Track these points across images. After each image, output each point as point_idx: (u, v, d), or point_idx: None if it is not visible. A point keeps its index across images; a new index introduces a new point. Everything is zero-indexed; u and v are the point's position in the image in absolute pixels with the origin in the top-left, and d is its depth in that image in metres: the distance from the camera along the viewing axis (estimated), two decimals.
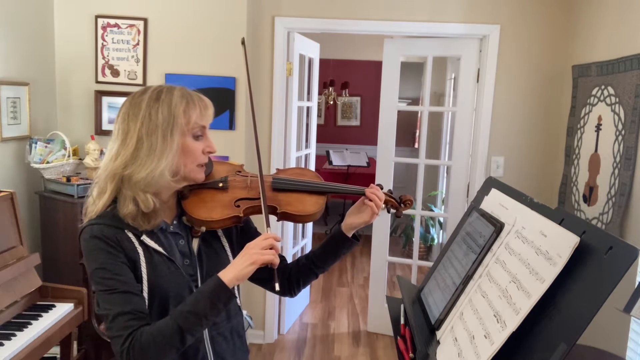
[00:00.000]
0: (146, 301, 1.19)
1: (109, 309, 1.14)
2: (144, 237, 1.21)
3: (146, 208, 1.19)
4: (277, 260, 1.19)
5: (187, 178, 1.26)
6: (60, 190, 2.90)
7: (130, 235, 1.20)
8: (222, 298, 1.15)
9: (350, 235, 1.43)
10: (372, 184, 1.44)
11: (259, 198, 1.31)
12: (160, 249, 1.23)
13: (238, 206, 1.32)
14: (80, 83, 3.25)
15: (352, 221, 1.42)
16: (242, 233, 1.42)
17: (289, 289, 1.47)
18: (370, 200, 1.39)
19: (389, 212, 1.48)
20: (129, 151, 1.19)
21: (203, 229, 1.29)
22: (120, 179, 1.20)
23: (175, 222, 1.30)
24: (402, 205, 1.47)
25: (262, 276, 1.43)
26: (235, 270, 1.16)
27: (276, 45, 3.36)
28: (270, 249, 1.18)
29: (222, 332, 1.32)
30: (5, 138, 2.77)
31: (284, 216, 1.36)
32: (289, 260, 1.52)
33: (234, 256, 1.37)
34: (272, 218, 1.34)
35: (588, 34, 3.00)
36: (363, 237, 1.57)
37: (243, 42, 1.46)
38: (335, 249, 1.44)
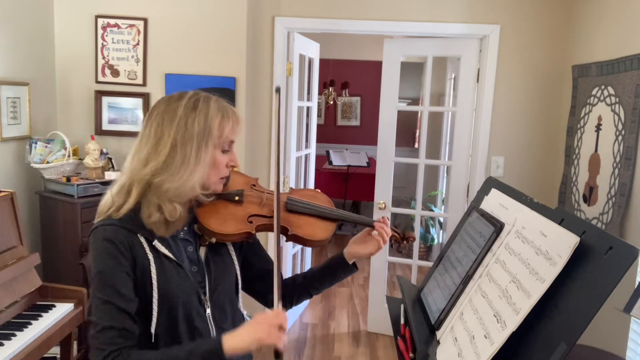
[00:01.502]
0: (155, 308, 1.18)
1: (100, 319, 1.12)
2: (156, 242, 1.21)
3: (172, 217, 1.19)
4: (282, 344, 1.14)
5: (207, 189, 1.26)
6: (60, 190, 2.90)
7: (142, 239, 1.20)
8: None
9: (351, 262, 1.45)
10: (381, 218, 1.46)
11: (272, 217, 1.31)
12: (170, 254, 1.22)
13: (251, 222, 1.31)
14: (80, 83, 3.25)
15: (356, 250, 1.44)
16: (247, 243, 1.42)
17: (282, 305, 1.48)
18: (378, 234, 1.41)
19: (392, 246, 1.50)
20: (161, 158, 1.18)
21: (213, 240, 1.29)
22: (148, 185, 1.18)
23: (185, 228, 1.29)
24: (404, 241, 1.51)
25: (259, 288, 1.45)
26: (239, 341, 1.13)
27: (276, 45, 3.36)
28: (280, 328, 1.14)
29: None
30: (5, 138, 2.78)
31: (293, 238, 1.36)
32: (289, 264, 1.52)
33: (237, 260, 1.38)
34: (281, 237, 1.34)
35: (588, 34, 3.00)
36: None
37: (278, 91, 1.35)
38: (334, 274, 1.47)
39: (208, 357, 1.11)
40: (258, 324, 1.14)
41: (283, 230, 1.34)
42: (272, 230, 1.30)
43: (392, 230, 1.48)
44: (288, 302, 1.47)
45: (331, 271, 1.46)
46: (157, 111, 1.22)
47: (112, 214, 1.20)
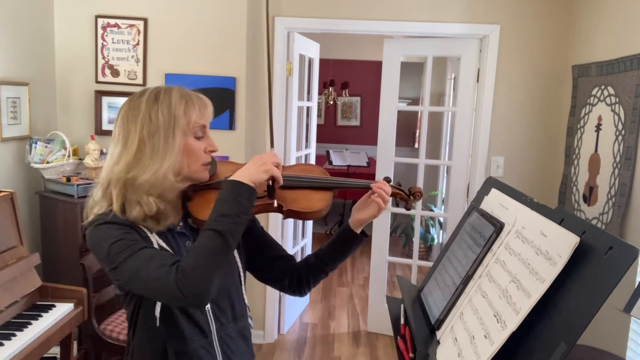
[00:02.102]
0: (157, 304, 1.19)
1: (142, 262, 1.11)
2: (154, 235, 1.21)
3: (149, 211, 1.18)
4: (278, 173, 1.23)
5: (192, 178, 1.25)
6: (60, 190, 2.90)
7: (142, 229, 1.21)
8: (243, 193, 1.15)
9: (358, 231, 1.42)
10: (378, 179, 1.42)
11: (265, 196, 1.29)
12: (168, 248, 1.22)
13: None
14: (80, 83, 3.25)
15: (359, 217, 1.41)
16: (248, 232, 1.39)
17: (299, 289, 1.46)
18: (377, 194, 1.38)
19: (398, 205, 1.45)
20: (130, 154, 1.19)
21: None
22: (124, 184, 1.18)
23: (181, 223, 1.30)
24: (411, 197, 1.45)
25: (273, 276, 1.44)
26: (249, 174, 1.18)
27: (276, 45, 3.36)
28: (276, 164, 1.23)
29: (229, 333, 1.32)
30: (5, 138, 2.78)
31: (290, 214, 1.34)
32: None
33: (240, 256, 1.38)
34: (279, 215, 1.34)
35: (588, 34, 3.00)
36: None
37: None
38: (344, 246, 1.43)
39: (235, 192, 1.15)
40: (262, 159, 1.22)
41: (278, 209, 1.32)
42: (268, 211, 1.30)
43: (396, 188, 1.44)
44: (305, 284, 1.45)
45: (341, 244, 1.43)
46: (122, 111, 1.24)
47: (102, 216, 1.20)
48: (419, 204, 3.71)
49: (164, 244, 1.22)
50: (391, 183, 1.43)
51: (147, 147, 1.19)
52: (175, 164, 1.20)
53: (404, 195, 1.44)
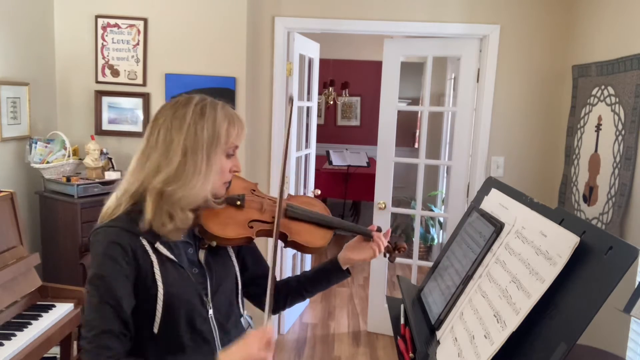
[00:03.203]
0: (160, 309, 1.18)
1: (94, 320, 1.11)
2: (158, 245, 1.21)
3: (184, 225, 1.20)
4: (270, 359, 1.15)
5: (215, 196, 1.27)
6: (60, 190, 2.90)
7: (144, 242, 1.19)
8: None
9: (344, 268, 1.47)
10: (374, 226, 1.48)
11: (272, 222, 1.32)
12: (171, 256, 1.22)
13: (251, 227, 1.32)
14: (80, 83, 3.25)
15: (351, 256, 1.47)
16: (245, 246, 1.43)
17: (275, 307, 1.49)
18: (375, 244, 1.44)
19: (384, 255, 1.52)
20: (172, 166, 1.18)
21: (214, 243, 1.29)
22: (161, 195, 1.18)
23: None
24: (395, 251, 1.52)
25: (253, 292, 1.46)
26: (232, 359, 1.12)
27: (276, 45, 3.36)
28: (267, 343, 1.14)
29: (231, 339, 1.32)
30: (5, 138, 2.77)
31: (292, 244, 1.37)
32: (287, 269, 1.53)
33: (237, 259, 1.39)
34: (279, 243, 1.35)
35: (588, 34, 3.00)
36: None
37: (291, 100, 1.43)
38: (328, 278, 1.49)
39: None
40: (249, 343, 1.14)
41: (282, 237, 1.35)
42: (271, 236, 1.31)
43: (389, 243, 1.50)
44: (281, 305, 1.49)
45: (325, 276, 1.49)
46: (164, 117, 1.22)
47: (112, 217, 1.20)
48: (419, 204, 3.71)
49: (168, 253, 1.21)
50: (382, 232, 1.49)
51: (190, 162, 1.18)
52: (215, 183, 1.23)
53: (390, 248, 1.52)
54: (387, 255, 1.52)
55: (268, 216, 1.35)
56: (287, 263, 3.72)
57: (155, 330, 1.19)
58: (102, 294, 1.13)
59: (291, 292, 1.49)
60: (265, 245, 3.03)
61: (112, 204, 1.23)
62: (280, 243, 1.35)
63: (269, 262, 1.28)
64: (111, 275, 1.14)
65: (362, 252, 1.45)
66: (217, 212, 1.29)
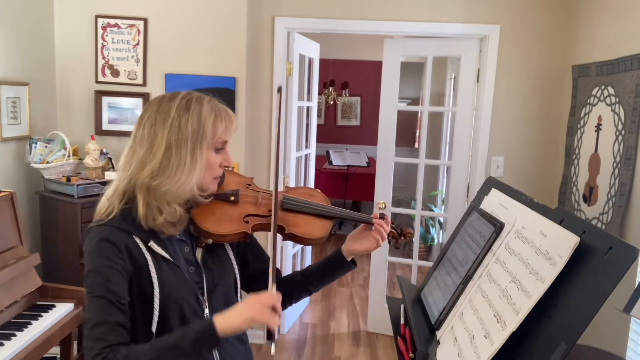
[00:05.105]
0: (157, 307, 1.17)
1: (91, 315, 1.12)
2: (152, 244, 1.20)
3: (172, 218, 1.19)
4: (275, 326, 1.13)
5: (201, 189, 1.25)
6: (60, 190, 2.90)
7: (138, 241, 1.19)
8: (208, 342, 1.11)
9: (349, 259, 1.45)
10: (378, 214, 1.45)
11: (269, 216, 1.30)
12: (166, 255, 1.22)
13: (247, 222, 1.30)
14: (80, 83, 3.25)
15: (354, 247, 1.43)
16: (244, 242, 1.41)
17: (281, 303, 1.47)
18: (377, 231, 1.41)
19: (389, 242, 1.48)
20: (156, 161, 1.18)
21: (210, 241, 1.29)
22: (147, 190, 1.18)
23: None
24: (401, 237, 1.49)
25: (257, 288, 1.42)
26: (232, 321, 1.11)
27: (276, 45, 3.36)
28: (273, 309, 1.13)
29: (228, 339, 1.31)
30: (5, 138, 2.78)
31: (290, 237, 1.35)
32: (289, 265, 1.52)
33: (236, 259, 1.38)
34: (279, 237, 1.33)
35: (588, 34, 3.00)
36: None
37: (280, 90, 1.38)
38: (333, 271, 1.46)
39: (200, 338, 1.10)
40: (251, 303, 1.13)
41: (280, 230, 1.33)
42: (268, 230, 1.30)
43: (392, 228, 1.47)
44: (287, 300, 1.46)
45: (329, 268, 1.46)
46: (150, 112, 1.22)
47: (106, 216, 1.20)
48: (419, 204, 3.71)
49: (162, 252, 1.21)
50: (389, 220, 1.46)
51: (174, 156, 1.18)
52: (200, 177, 1.21)
53: (396, 233, 1.48)
54: (394, 242, 1.48)
55: (264, 210, 1.33)
56: (287, 263, 3.72)
57: (154, 329, 1.19)
58: (96, 288, 1.13)
59: (297, 287, 1.46)
60: (266, 240, 3.03)
61: (105, 203, 1.23)
62: (279, 236, 1.33)
63: (269, 255, 1.27)
64: (102, 269, 1.14)
65: (365, 241, 1.42)
66: (212, 209, 1.28)
